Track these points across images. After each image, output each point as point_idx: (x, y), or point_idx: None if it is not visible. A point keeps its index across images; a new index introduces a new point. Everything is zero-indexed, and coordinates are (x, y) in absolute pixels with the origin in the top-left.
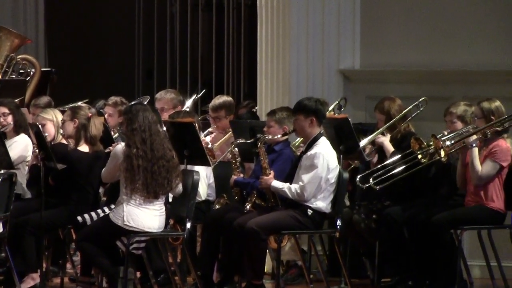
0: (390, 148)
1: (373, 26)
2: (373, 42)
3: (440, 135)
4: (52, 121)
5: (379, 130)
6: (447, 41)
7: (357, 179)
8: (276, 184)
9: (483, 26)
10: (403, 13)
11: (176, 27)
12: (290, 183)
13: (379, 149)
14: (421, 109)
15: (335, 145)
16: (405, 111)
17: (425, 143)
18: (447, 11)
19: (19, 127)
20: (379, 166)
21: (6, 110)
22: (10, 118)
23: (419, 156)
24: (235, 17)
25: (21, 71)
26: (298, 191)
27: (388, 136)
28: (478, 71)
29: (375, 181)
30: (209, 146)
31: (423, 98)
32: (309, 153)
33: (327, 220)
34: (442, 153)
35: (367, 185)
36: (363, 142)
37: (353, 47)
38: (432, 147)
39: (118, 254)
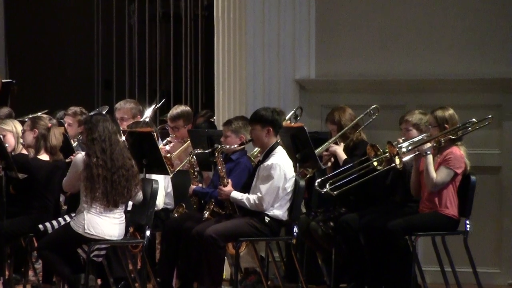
0: (343, 156)
1: (328, 36)
2: (328, 52)
3: (395, 142)
4: (12, 132)
5: (332, 140)
6: (401, 51)
7: (316, 184)
8: (235, 195)
9: (435, 35)
10: (356, 24)
11: (135, 38)
12: (248, 192)
13: (333, 157)
14: (373, 117)
15: (291, 153)
16: (356, 120)
17: (381, 150)
18: (399, 22)
19: None
20: (335, 172)
21: None
22: None
23: (375, 163)
24: (192, 28)
25: None
26: (257, 201)
27: (342, 144)
28: (432, 80)
29: (331, 186)
30: (168, 155)
31: (374, 106)
32: (266, 163)
33: (284, 227)
34: (397, 160)
35: (325, 189)
36: (317, 151)
37: (308, 57)
38: (388, 154)
39: (79, 261)
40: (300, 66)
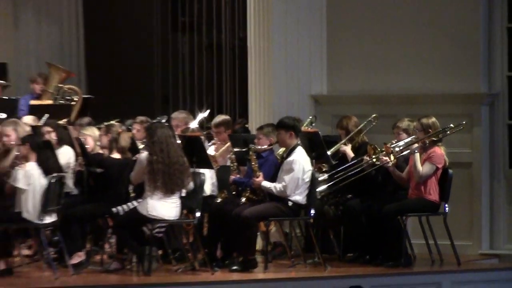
0: (351, 154)
1: (336, 61)
2: (336, 73)
3: (390, 143)
4: (91, 136)
5: (341, 142)
6: (394, 72)
7: (327, 176)
8: (265, 184)
9: (421, 59)
10: (358, 51)
11: (186, 63)
12: (275, 182)
13: (343, 155)
14: (373, 123)
15: (308, 152)
16: (360, 126)
17: (378, 149)
18: (392, 48)
19: (61, 141)
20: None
21: (49, 129)
22: (53, 135)
23: (374, 160)
24: (230, 55)
25: (67, 97)
26: (282, 189)
27: (349, 145)
28: (418, 95)
29: (337, 178)
30: (213, 154)
31: (374, 115)
32: (288, 159)
33: (303, 209)
34: (392, 157)
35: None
36: (331, 150)
37: (321, 77)
38: (384, 152)
39: (144, 237)
40: (314, 84)
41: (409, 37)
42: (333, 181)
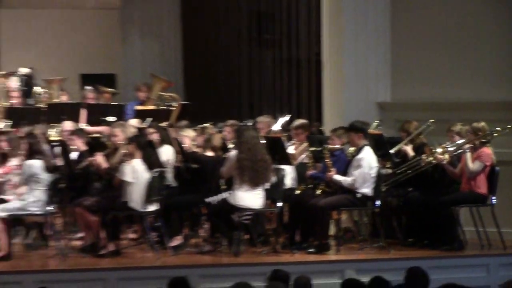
0: (411, 153)
1: (399, 73)
2: (399, 83)
3: (444, 144)
4: (188, 136)
5: (403, 142)
6: (448, 82)
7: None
8: (338, 178)
9: (473, 70)
10: (418, 63)
11: (269, 74)
12: (346, 176)
13: (404, 154)
14: (431, 127)
15: (375, 151)
16: (419, 129)
17: (435, 149)
18: (447, 62)
19: (162, 141)
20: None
21: (152, 130)
22: (156, 135)
23: (431, 158)
24: (307, 67)
25: (167, 103)
26: (352, 182)
27: (410, 146)
28: (469, 102)
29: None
30: (292, 152)
31: (431, 120)
32: (357, 157)
33: (370, 200)
34: (446, 155)
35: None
36: (394, 149)
37: (385, 86)
38: (440, 151)
39: (233, 223)
40: (380, 93)
41: (461, 50)
42: (397, 177)
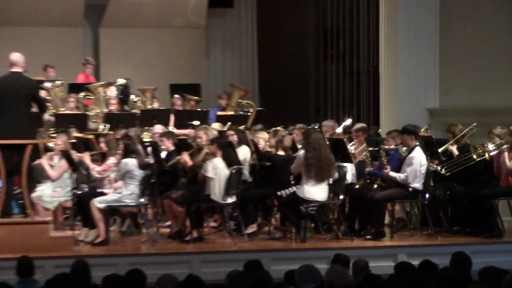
0: (456, 152)
1: (446, 82)
2: (446, 91)
3: (486, 144)
4: (263, 138)
5: (449, 143)
6: (489, 89)
7: (439, 168)
8: (392, 174)
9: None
10: (462, 73)
11: (333, 84)
12: (399, 173)
13: (450, 153)
14: (474, 130)
15: (424, 151)
16: (464, 131)
17: (478, 149)
18: (489, 71)
19: (240, 142)
20: (450, 161)
21: (232, 133)
22: (235, 137)
23: (474, 156)
24: (366, 78)
25: (245, 109)
26: (404, 178)
27: (455, 146)
28: (508, 108)
29: (446, 170)
30: (353, 152)
31: (474, 124)
32: (409, 156)
33: (420, 194)
34: (487, 155)
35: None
36: (441, 149)
37: (434, 94)
38: (481, 151)
39: (301, 213)
40: (429, 100)
41: (500, 62)
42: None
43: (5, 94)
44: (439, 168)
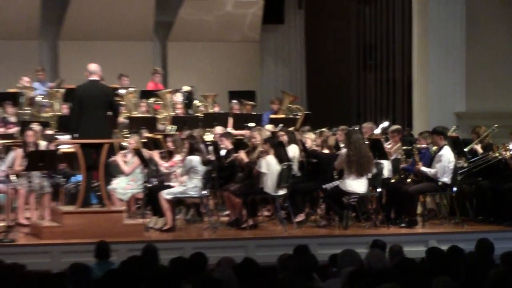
0: (480, 151)
1: (472, 89)
2: (472, 97)
3: (507, 144)
4: (310, 138)
5: (474, 143)
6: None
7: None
8: (424, 169)
9: None
10: (487, 80)
11: (372, 91)
12: (430, 169)
13: (475, 152)
14: (496, 131)
15: (452, 149)
16: (487, 132)
17: (500, 148)
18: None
19: (290, 141)
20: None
21: (282, 133)
22: (285, 137)
23: (496, 154)
24: (401, 86)
25: (294, 113)
26: (434, 173)
27: (480, 145)
28: None
29: (471, 165)
30: (389, 150)
31: (496, 125)
32: (439, 154)
33: (448, 187)
34: (508, 153)
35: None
36: (466, 148)
37: (461, 100)
38: (503, 150)
39: (343, 204)
40: (457, 105)
41: None
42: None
43: (85, 100)
44: (465, 164)
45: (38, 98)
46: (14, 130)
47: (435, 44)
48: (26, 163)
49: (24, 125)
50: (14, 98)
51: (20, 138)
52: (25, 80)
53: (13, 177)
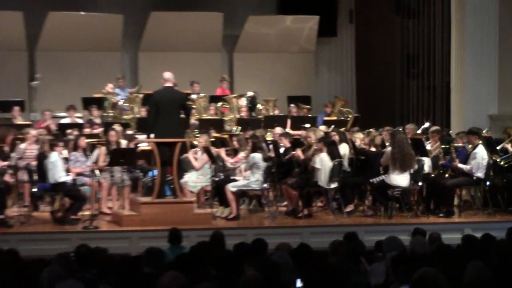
0: (511, 149)
1: (503, 93)
2: (503, 101)
3: None
4: (358, 138)
5: (505, 142)
6: None
7: (498, 160)
8: (460, 166)
9: None
10: None
11: (414, 96)
12: (465, 165)
13: (506, 150)
14: None
15: (486, 148)
16: None
17: None
18: None
19: (341, 141)
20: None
21: (334, 133)
22: (337, 137)
23: None
24: (440, 91)
25: (345, 116)
26: (470, 169)
27: (510, 144)
28: None
29: (503, 163)
30: (428, 148)
31: None
32: (473, 152)
33: (482, 181)
34: None
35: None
36: (498, 147)
37: (494, 103)
38: None
39: (388, 196)
40: (490, 107)
41: None
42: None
43: (161, 104)
44: (498, 160)
45: (120, 102)
46: (98, 130)
47: (470, 54)
48: (108, 159)
49: (107, 126)
50: (99, 103)
51: (104, 137)
52: (109, 87)
53: (97, 172)
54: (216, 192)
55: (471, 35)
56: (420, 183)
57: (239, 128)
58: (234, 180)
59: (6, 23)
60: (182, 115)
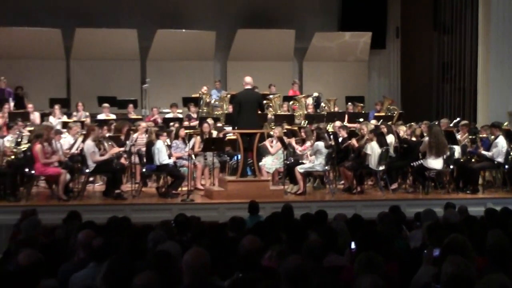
0: None
1: None
2: None
3: None
4: (401, 130)
5: None
6: None
7: None
8: (484, 152)
9: None
10: None
11: (447, 98)
12: (487, 152)
13: None
14: None
15: (505, 138)
16: None
17: None
18: None
19: (387, 132)
20: None
21: (383, 126)
22: (384, 129)
23: None
24: (470, 92)
25: (392, 112)
26: (492, 155)
27: None
28: None
29: None
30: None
31: None
32: (495, 141)
33: (502, 165)
34: None
35: None
36: None
37: None
38: None
39: (425, 176)
40: (510, 105)
41: None
42: None
43: (243, 102)
44: None
45: (212, 101)
46: (195, 123)
47: (494, 63)
48: (202, 146)
49: (202, 120)
50: (195, 101)
51: (199, 129)
52: (204, 89)
53: (193, 156)
54: (287, 172)
55: (494, 47)
56: (451, 166)
57: (306, 121)
58: (302, 163)
59: (123, 38)
60: (259, 112)
